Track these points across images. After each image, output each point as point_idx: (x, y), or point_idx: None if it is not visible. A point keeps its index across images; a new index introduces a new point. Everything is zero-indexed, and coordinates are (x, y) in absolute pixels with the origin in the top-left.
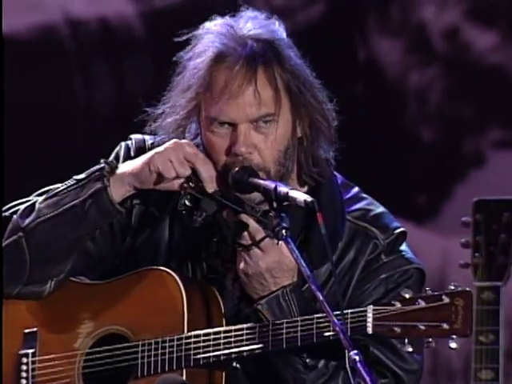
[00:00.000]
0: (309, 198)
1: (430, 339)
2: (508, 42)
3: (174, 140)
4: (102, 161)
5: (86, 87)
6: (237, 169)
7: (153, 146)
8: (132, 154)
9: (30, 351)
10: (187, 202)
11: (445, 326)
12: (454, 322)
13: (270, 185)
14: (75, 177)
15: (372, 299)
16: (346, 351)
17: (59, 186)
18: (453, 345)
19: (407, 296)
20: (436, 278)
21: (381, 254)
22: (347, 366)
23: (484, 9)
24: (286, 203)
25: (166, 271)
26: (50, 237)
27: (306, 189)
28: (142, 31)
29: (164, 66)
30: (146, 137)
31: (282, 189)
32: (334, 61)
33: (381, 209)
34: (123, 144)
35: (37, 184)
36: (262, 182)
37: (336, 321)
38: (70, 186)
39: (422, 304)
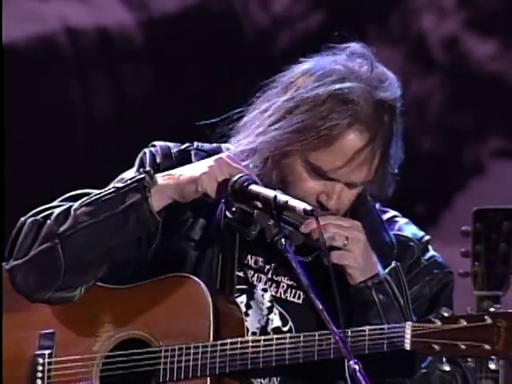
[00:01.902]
0: (308, 207)
1: (469, 359)
2: (508, 51)
3: (217, 156)
4: (141, 170)
5: (85, 96)
6: (236, 178)
7: (179, 155)
8: (158, 160)
9: (47, 352)
10: (237, 216)
11: (486, 346)
12: (496, 343)
13: (270, 194)
14: (114, 185)
15: (420, 301)
16: (346, 360)
17: (95, 193)
18: (492, 366)
19: (446, 314)
20: None
21: (420, 258)
22: (347, 374)
23: (484, 18)
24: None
25: (192, 278)
26: (87, 244)
27: None
28: (140, 41)
29: (163, 75)
30: (170, 144)
31: (282, 197)
32: None
33: (404, 218)
34: (147, 151)
35: (37, 191)
36: (261, 190)
37: (335, 329)
38: (108, 194)
39: (463, 323)
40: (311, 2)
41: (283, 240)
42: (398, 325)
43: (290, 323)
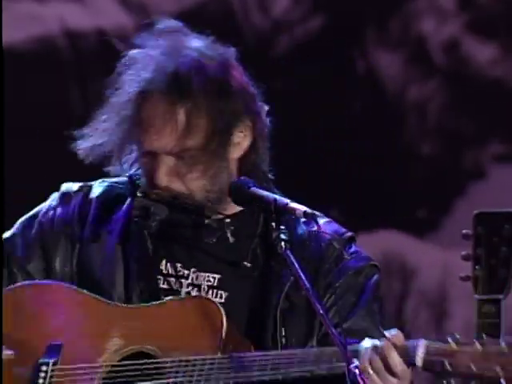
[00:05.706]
0: (309, 210)
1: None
2: (508, 55)
3: None
4: None
5: (84, 99)
6: (236, 179)
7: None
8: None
9: (51, 360)
10: (138, 211)
11: (498, 370)
12: (510, 370)
13: (270, 196)
14: None
15: (347, 294)
16: (346, 364)
17: None
18: None
19: (459, 337)
20: (436, 291)
21: (342, 252)
22: (347, 378)
23: (484, 22)
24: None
25: (208, 299)
26: None
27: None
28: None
29: None
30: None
31: (281, 200)
32: (332, 74)
33: (326, 218)
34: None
35: (33, 196)
36: (261, 192)
37: (336, 333)
38: None
39: (478, 347)
40: (311, 6)
41: (283, 244)
42: (411, 341)
43: None
